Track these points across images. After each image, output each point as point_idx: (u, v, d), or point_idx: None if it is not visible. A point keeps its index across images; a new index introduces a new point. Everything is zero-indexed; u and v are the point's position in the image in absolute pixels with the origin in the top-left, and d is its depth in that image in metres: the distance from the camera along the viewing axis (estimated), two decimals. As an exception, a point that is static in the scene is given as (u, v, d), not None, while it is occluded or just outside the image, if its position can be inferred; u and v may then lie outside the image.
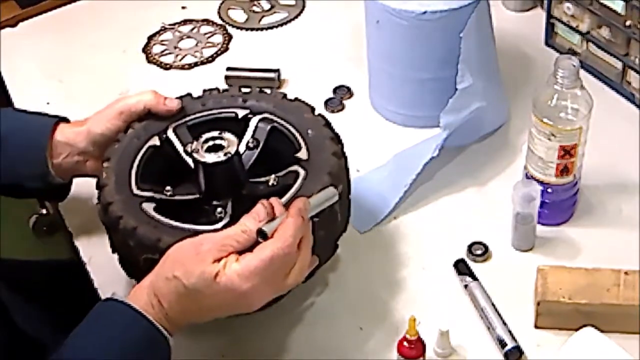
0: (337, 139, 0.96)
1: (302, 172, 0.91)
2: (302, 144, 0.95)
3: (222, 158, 0.89)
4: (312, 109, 0.99)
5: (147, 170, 0.94)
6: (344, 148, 0.96)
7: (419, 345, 0.88)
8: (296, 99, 1.01)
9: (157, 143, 0.96)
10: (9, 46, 1.41)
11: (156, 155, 0.96)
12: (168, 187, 0.92)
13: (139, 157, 0.94)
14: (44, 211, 2.00)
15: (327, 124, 0.97)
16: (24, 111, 1.06)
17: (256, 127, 0.97)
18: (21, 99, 1.33)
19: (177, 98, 0.99)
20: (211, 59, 1.37)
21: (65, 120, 1.02)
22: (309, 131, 0.96)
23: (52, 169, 0.99)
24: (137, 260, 0.86)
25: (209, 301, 0.79)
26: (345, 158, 0.96)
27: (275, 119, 0.97)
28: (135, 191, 0.91)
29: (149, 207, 0.89)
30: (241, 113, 0.99)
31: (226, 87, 1.08)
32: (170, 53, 1.39)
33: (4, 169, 0.98)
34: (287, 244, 0.79)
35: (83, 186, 1.06)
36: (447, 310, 0.96)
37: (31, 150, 0.99)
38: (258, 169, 0.94)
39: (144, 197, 0.90)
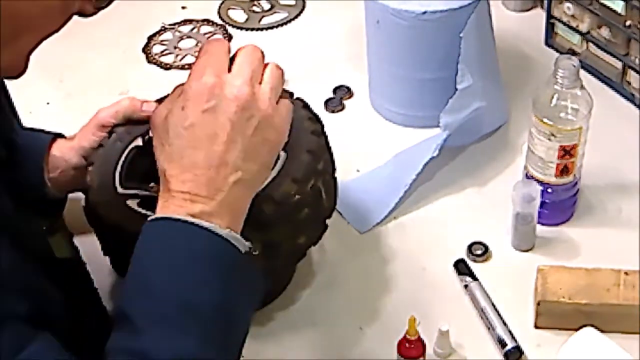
0: (315, 118, 0.95)
1: (282, 155, 0.90)
2: None
3: None
4: (291, 94, 0.98)
5: (133, 170, 0.94)
6: (324, 127, 0.95)
7: (419, 345, 0.88)
8: None
9: (140, 143, 0.96)
10: (9, 46, 1.41)
11: (141, 155, 0.96)
12: (152, 184, 0.91)
13: (122, 158, 0.94)
14: (44, 211, 1.99)
15: (305, 106, 0.96)
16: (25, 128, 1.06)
17: None
18: (21, 99, 1.32)
19: (156, 101, 0.98)
20: (211, 59, 1.37)
21: (61, 136, 1.03)
22: None
23: (48, 182, 0.99)
24: (128, 258, 0.86)
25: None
26: (326, 136, 0.94)
27: None
28: (120, 190, 0.91)
29: (133, 204, 0.89)
30: None
31: None
32: (170, 53, 1.39)
33: None
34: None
35: (83, 186, 1.06)
36: (447, 310, 0.96)
37: (29, 158, 0.98)
38: None
39: (128, 195, 0.90)
